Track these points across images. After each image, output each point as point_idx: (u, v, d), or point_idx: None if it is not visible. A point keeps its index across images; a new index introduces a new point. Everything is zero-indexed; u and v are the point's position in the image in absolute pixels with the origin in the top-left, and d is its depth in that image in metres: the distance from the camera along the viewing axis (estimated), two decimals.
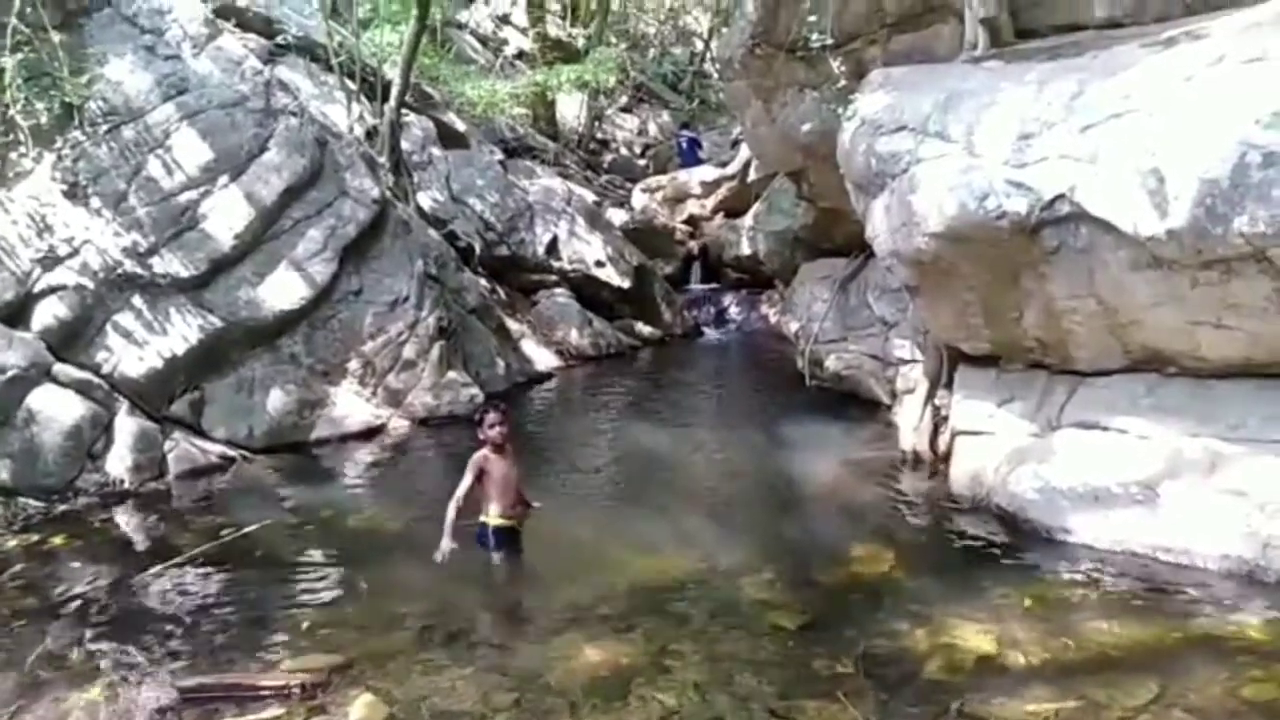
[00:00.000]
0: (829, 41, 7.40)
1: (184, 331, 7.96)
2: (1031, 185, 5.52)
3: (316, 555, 5.86)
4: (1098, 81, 5.48)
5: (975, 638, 4.43)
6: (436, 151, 13.14)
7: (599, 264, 13.05)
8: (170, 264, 8.04)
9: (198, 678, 4.29)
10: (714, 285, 15.35)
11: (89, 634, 4.86)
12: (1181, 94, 4.99)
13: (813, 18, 7.44)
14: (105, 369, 7.57)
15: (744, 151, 15.14)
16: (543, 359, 11.35)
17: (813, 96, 8.51)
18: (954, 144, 6.01)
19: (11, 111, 7.42)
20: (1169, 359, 5.62)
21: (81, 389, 7.32)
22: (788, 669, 4.27)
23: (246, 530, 6.15)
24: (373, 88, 11.27)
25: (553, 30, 20.37)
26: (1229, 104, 4.74)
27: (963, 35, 7.07)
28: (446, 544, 5.30)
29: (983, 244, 5.89)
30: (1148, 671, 4.11)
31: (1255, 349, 5.18)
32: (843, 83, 7.47)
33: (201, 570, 5.63)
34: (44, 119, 7.67)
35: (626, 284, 13.08)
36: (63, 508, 6.81)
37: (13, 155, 7.59)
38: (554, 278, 12.92)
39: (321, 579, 5.53)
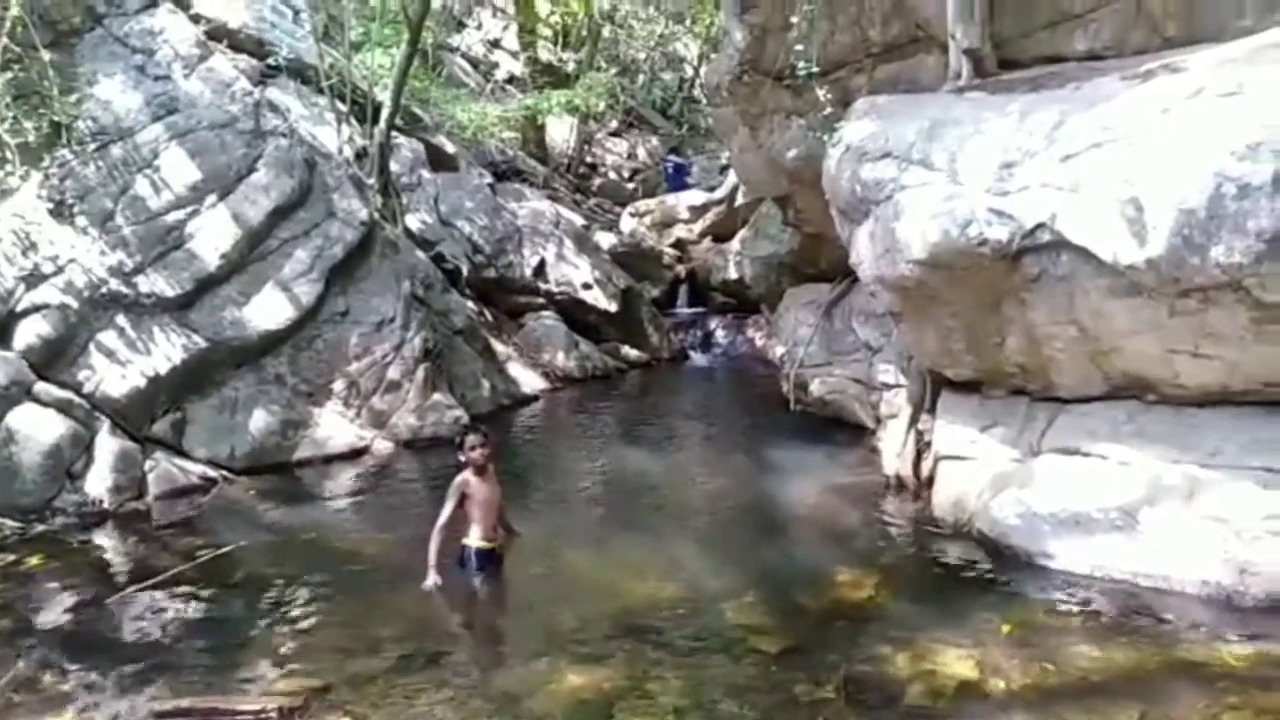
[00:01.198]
0: (815, 70, 7.47)
1: (167, 351, 7.92)
2: (1013, 213, 5.59)
3: (297, 577, 5.79)
4: (1078, 112, 5.56)
5: (957, 663, 4.43)
6: (426, 174, 13.18)
7: (586, 287, 13.09)
8: (155, 283, 8.02)
9: (173, 701, 4.24)
10: (701, 309, 15.41)
11: (63, 657, 4.80)
12: (1160, 125, 5.06)
13: (799, 46, 7.52)
14: (87, 388, 7.52)
15: (731, 177, 15.26)
16: (529, 381, 11.34)
17: (799, 123, 8.60)
18: (937, 172, 6.08)
19: (0, 129, 7.42)
20: (1149, 386, 5.67)
21: (62, 408, 7.27)
22: (769, 694, 4.25)
23: (224, 551, 6.12)
24: (363, 110, 11.31)
25: (543, 55, 20.53)
26: (1206, 136, 4.81)
27: (947, 65, 7.16)
28: (433, 578, 5.28)
29: (965, 271, 5.95)
30: (1128, 697, 4.12)
31: (1233, 377, 5.24)
32: (828, 110, 7.54)
33: (179, 592, 5.57)
34: (32, 137, 7.66)
35: (613, 307, 13.12)
36: (40, 528, 6.75)
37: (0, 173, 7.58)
38: (541, 300, 12.94)
39: (302, 601, 5.47)
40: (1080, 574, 5.36)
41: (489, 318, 12.18)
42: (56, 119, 7.87)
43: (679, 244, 16.47)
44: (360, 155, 11.01)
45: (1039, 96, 6.06)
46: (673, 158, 20.01)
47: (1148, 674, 4.34)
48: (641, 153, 22.46)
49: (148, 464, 7.57)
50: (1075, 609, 5.03)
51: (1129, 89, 5.53)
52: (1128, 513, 5.36)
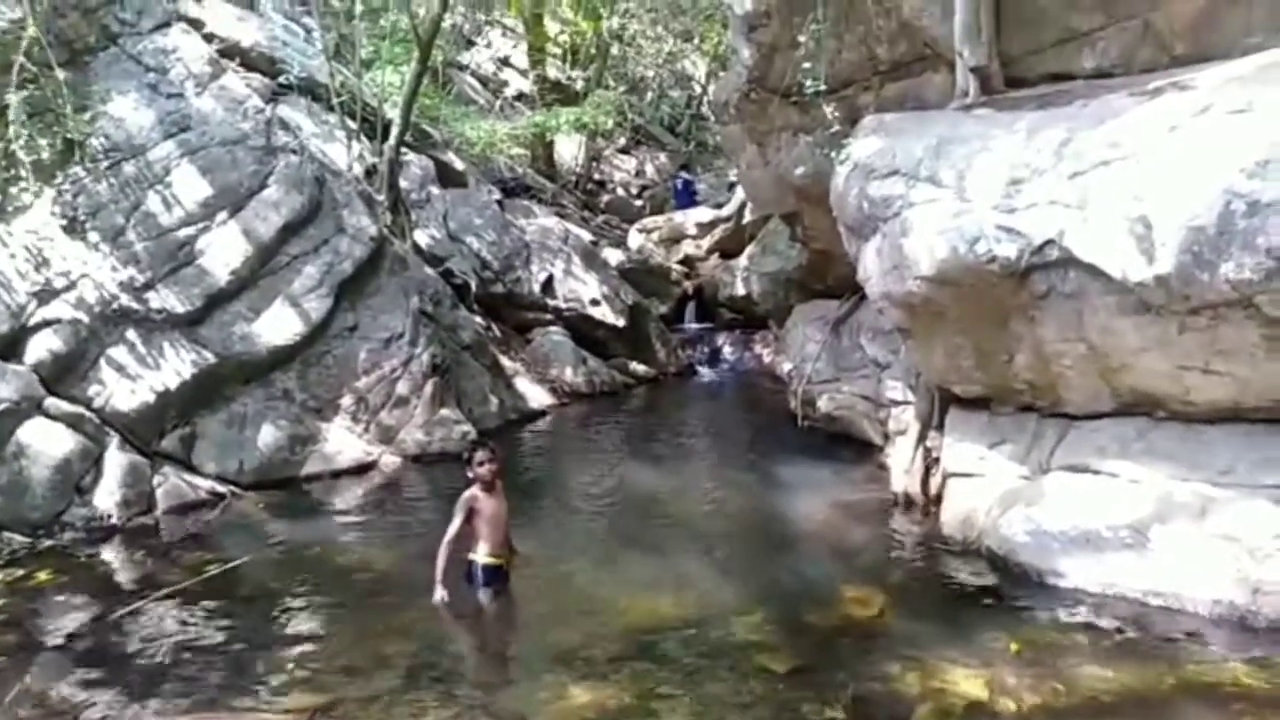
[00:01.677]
0: (823, 87, 7.50)
1: (177, 366, 7.95)
2: (1021, 230, 5.58)
3: (304, 592, 5.79)
4: (1086, 130, 5.55)
5: (966, 682, 4.39)
6: (435, 190, 13.24)
7: (594, 302, 13.10)
8: (166, 299, 8.06)
9: (179, 717, 4.22)
10: (708, 325, 15.43)
11: (71, 671, 4.79)
12: (1168, 143, 5.05)
13: (807, 64, 7.55)
14: (97, 403, 7.54)
15: (739, 194, 15.29)
16: (536, 397, 11.34)
17: (806, 141, 8.62)
18: (945, 189, 6.08)
19: (14, 147, 7.47)
20: (1158, 403, 5.64)
21: (72, 423, 7.29)
22: (777, 713, 4.21)
23: (231, 566, 6.10)
24: (373, 127, 11.38)
25: (552, 73, 20.64)
26: (1215, 153, 4.80)
27: (954, 83, 7.17)
28: (440, 593, 5.26)
29: (973, 287, 5.93)
30: (1139, 718, 4.09)
31: (1244, 394, 5.20)
32: (836, 128, 7.57)
33: (186, 607, 5.56)
34: (46, 155, 7.72)
35: (621, 323, 13.12)
36: (49, 542, 6.74)
37: (13, 190, 7.63)
38: (549, 316, 12.96)
39: (308, 617, 5.47)
40: (1090, 592, 5.31)
41: (497, 333, 12.19)
42: (70, 136, 7.94)
43: (687, 260, 16.51)
44: (370, 172, 11.07)
45: (1046, 114, 6.06)
46: (683, 175, 20.07)
47: (1159, 695, 4.29)
48: (650, 170, 22.54)
49: (156, 479, 7.58)
50: (1085, 628, 4.98)
51: (1137, 106, 5.52)
52: (1138, 531, 5.31)
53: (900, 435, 8.04)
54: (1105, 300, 5.36)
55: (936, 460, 7.25)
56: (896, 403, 8.48)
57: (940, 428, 7.29)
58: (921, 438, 7.48)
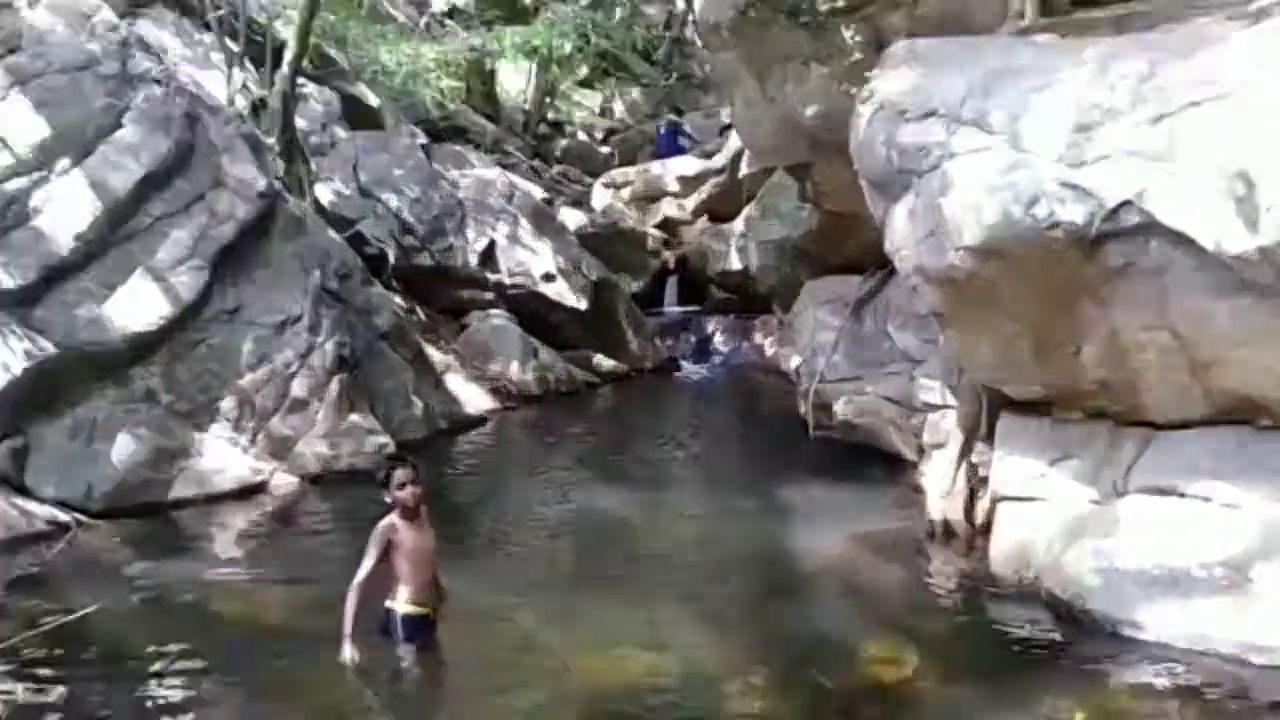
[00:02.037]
0: (840, 4, 7.54)
1: (5, 359, 7.85)
2: (1091, 189, 5.64)
3: (173, 650, 5.73)
4: (1173, 61, 5.62)
5: None
6: (342, 132, 13.22)
7: (547, 278, 13.12)
8: None
9: None
10: (694, 308, 15.52)
11: None
12: (1276, 79, 5.13)
13: None
14: None
15: (733, 140, 15.34)
16: (474, 399, 11.35)
17: (820, 73, 8.66)
18: (995, 135, 6.13)
19: None
20: (1262, 408, 5.73)
21: None
22: None
23: (78, 615, 6.03)
24: (261, 50, 11.31)
25: None
26: None
27: (1006, 1, 7.24)
28: (349, 650, 5.23)
29: (1030, 261, 5.99)
30: None
31: None
32: (857, 56, 7.61)
33: (20, 668, 5.50)
34: None
35: (583, 304, 13.16)
36: None
37: None
38: (490, 295, 12.98)
39: (177, 681, 5.42)
40: (1177, 647, 5.38)
41: (422, 317, 12.19)
42: None
43: (667, 224, 16.56)
44: (257, 108, 11.01)
45: (1123, 40, 6.13)
46: (670, 117, 20.05)
47: None
48: (618, 108, 22.58)
49: None
50: (1170, 693, 5.06)
51: (1237, 32, 5.60)
52: (1237, 569, 5.40)
53: (938, 449, 8.13)
54: (1195, 277, 5.44)
55: (984, 480, 7.33)
56: (933, 407, 8.56)
57: (988, 439, 7.37)
58: (965, 451, 7.55)
